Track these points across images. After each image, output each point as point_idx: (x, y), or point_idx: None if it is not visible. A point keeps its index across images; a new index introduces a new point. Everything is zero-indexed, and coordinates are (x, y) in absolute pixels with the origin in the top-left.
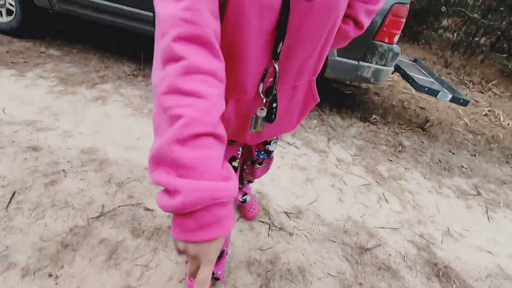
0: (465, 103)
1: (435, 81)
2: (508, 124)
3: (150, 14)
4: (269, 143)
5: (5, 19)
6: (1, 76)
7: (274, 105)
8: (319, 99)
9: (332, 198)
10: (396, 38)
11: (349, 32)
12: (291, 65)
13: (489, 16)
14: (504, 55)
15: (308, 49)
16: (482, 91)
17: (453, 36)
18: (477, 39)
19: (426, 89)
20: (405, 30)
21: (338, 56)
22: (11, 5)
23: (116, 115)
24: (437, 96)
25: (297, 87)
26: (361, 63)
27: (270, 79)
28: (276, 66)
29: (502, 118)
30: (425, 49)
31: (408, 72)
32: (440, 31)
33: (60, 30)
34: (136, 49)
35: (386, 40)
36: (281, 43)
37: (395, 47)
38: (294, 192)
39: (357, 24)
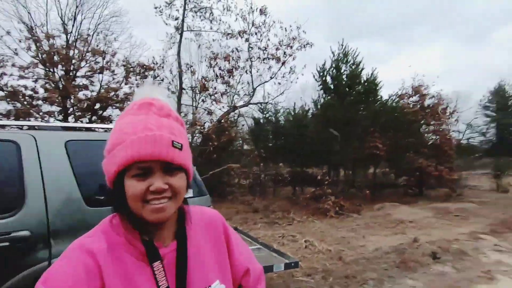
0: (296, 265)
1: (261, 246)
2: (323, 248)
3: None
4: None
5: None
6: None
7: None
8: None
9: None
10: None
11: None
12: None
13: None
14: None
15: None
16: (289, 223)
17: (246, 181)
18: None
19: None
20: (213, 191)
21: None
22: None
23: None
24: (273, 270)
25: None
26: None
27: None
28: None
29: (317, 244)
30: (234, 201)
31: None
32: (235, 181)
33: None
34: None
35: None
36: None
37: None
38: None
39: None
